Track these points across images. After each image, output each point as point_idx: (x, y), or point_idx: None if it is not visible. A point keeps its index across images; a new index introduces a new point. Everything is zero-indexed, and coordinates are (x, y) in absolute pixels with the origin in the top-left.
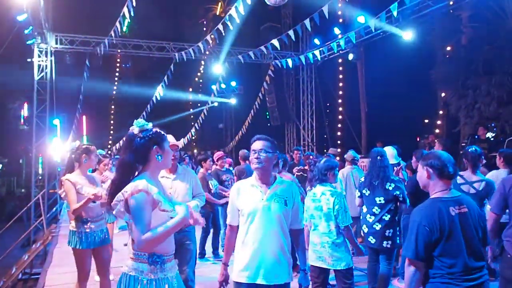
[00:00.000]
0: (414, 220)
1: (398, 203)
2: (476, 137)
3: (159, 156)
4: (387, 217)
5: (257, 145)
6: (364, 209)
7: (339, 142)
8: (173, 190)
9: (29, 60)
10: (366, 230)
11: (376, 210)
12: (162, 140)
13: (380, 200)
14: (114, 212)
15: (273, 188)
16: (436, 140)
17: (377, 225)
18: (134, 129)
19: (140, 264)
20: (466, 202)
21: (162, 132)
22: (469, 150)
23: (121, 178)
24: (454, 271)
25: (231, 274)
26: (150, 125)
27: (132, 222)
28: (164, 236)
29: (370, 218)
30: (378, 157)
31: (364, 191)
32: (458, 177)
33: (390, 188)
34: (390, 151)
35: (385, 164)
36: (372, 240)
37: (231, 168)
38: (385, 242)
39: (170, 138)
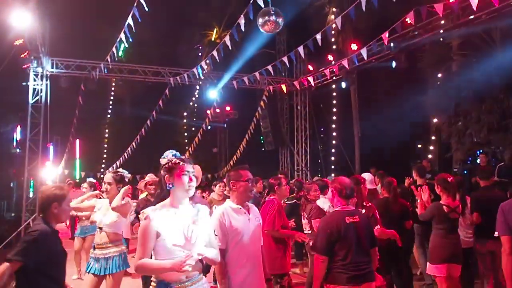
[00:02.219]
0: (321, 226)
1: None
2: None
3: (170, 184)
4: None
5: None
6: None
7: (332, 167)
8: None
9: (24, 83)
10: None
11: None
12: (173, 169)
13: None
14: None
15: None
16: (413, 167)
17: None
18: (162, 160)
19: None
20: (358, 214)
21: (177, 161)
22: (449, 180)
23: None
24: (346, 263)
25: None
26: (170, 155)
27: None
28: (150, 271)
29: None
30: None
31: None
32: (445, 207)
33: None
34: (367, 177)
35: (358, 191)
36: None
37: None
38: None
39: (197, 170)
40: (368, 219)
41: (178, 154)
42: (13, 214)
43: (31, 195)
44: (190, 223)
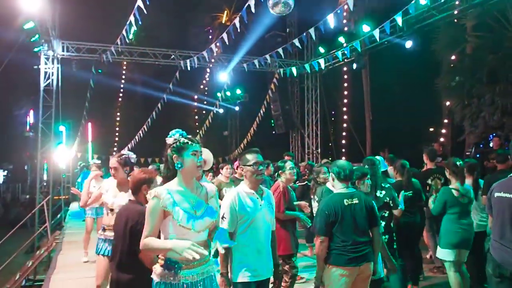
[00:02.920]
0: (320, 207)
1: (389, 210)
2: (491, 146)
3: (178, 164)
4: (381, 224)
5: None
6: None
7: (343, 150)
8: None
9: (35, 67)
10: None
11: None
12: (182, 149)
13: None
14: None
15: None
16: (424, 150)
17: None
18: (168, 140)
19: (157, 266)
20: (357, 196)
21: (186, 140)
22: (457, 163)
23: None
24: (345, 244)
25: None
26: (177, 135)
27: None
28: (153, 251)
29: None
30: (366, 166)
31: None
32: (454, 191)
33: (381, 196)
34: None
35: (373, 173)
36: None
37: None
38: None
39: (206, 153)
40: (368, 200)
41: (185, 133)
42: (27, 196)
43: (45, 177)
44: (199, 202)
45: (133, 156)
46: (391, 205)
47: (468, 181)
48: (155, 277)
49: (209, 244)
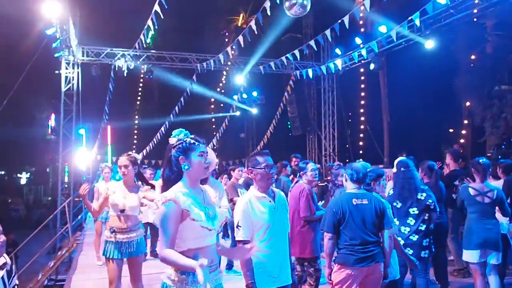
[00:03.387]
0: (329, 205)
1: (429, 212)
2: None
3: (185, 166)
4: (423, 227)
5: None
6: (396, 221)
7: (361, 152)
8: None
9: (56, 72)
10: (401, 242)
11: (411, 221)
12: (190, 150)
13: (414, 211)
14: (153, 220)
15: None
16: (446, 151)
17: (414, 236)
18: (171, 140)
19: (172, 272)
20: (367, 197)
21: (193, 141)
22: (480, 161)
23: (163, 188)
24: (353, 243)
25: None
26: (182, 135)
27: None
28: (175, 264)
29: (404, 229)
30: (402, 168)
31: (395, 204)
32: (471, 189)
33: (422, 198)
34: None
35: (410, 175)
36: (409, 251)
37: None
38: (422, 252)
39: (210, 154)
40: (380, 202)
41: (189, 133)
42: (49, 198)
43: (66, 179)
44: (207, 203)
45: (139, 157)
46: (432, 207)
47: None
48: (169, 283)
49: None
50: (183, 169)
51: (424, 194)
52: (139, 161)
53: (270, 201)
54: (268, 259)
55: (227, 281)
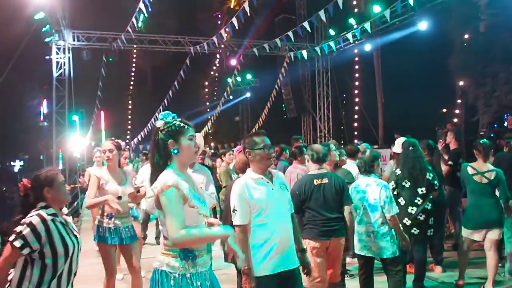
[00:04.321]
0: (292, 189)
1: (434, 192)
2: (505, 126)
3: (175, 150)
4: (429, 207)
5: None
6: (402, 201)
7: (355, 133)
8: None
9: (47, 57)
10: (408, 222)
11: (419, 200)
12: (179, 133)
13: (422, 191)
14: (143, 208)
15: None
16: (448, 131)
17: (421, 216)
18: (158, 123)
19: (171, 259)
20: (328, 177)
21: (182, 124)
22: (480, 141)
23: (152, 173)
24: (315, 219)
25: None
26: (170, 118)
27: (163, 218)
28: (198, 241)
29: (412, 209)
30: (410, 148)
31: (403, 183)
32: (470, 168)
33: (430, 178)
34: (397, 141)
35: (419, 154)
36: (415, 231)
37: None
38: (428, 231)
39: (199, 138)
40: (339, 181)
41: (176, 116)
42: None
43: (60, 166)
44: (196, 188)
45: (122, 143)
46: (436, 187)
47: None
48: (169, 270)
49: None
50: (172, 153)
51: (431, 175)
52: (122, 147)
53: (267, 182)
54: (267, 243)
55: (224, 267)
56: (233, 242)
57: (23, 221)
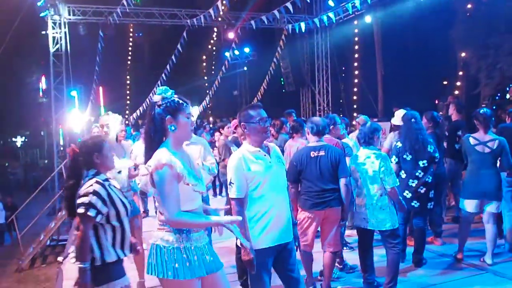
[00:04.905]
0: (291, 159)
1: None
2: (507, 98)
3: (172, 127)
4: (429, 179)
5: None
6: (403, 174)
7: (355, 106)
8: None
9: (43, 32)
10: (409, 195)
11: (420, 173)
12: (177, 110)
13: (423, 163)
14: (139, 186)
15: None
16: (450, 103)
17: (422, 189)
18: (155, 97)
19: (165, 233)
20: (325, 149)
21: (181, 101)
22: (480, 111)
23: (146, 149)
24: (310, 190)
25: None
26: (169, 93)
27: (158, 196)
28: (194, 225)
29: (413, 182)
30: (412, 120)
31: (405, 156)
32: (471, 139)
33: (431, 150)
34: (397, 114)
35: (421, 127)
36: (416, 204)
37: None
38: (429, 204)
39: (194, 111)
40: (336, 153)
41: (174, 92)
42: (46, 161)
43: (61, 142)
44: (192, 165)
45: (119, 117)
46: (437, 160)
47: None
48: (164, 244)
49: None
50: (169, 130)
51: (432, 147)
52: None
53: (265, 155)
54: (265, 216)
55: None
56: (237, 231)
57: (85, 191)
